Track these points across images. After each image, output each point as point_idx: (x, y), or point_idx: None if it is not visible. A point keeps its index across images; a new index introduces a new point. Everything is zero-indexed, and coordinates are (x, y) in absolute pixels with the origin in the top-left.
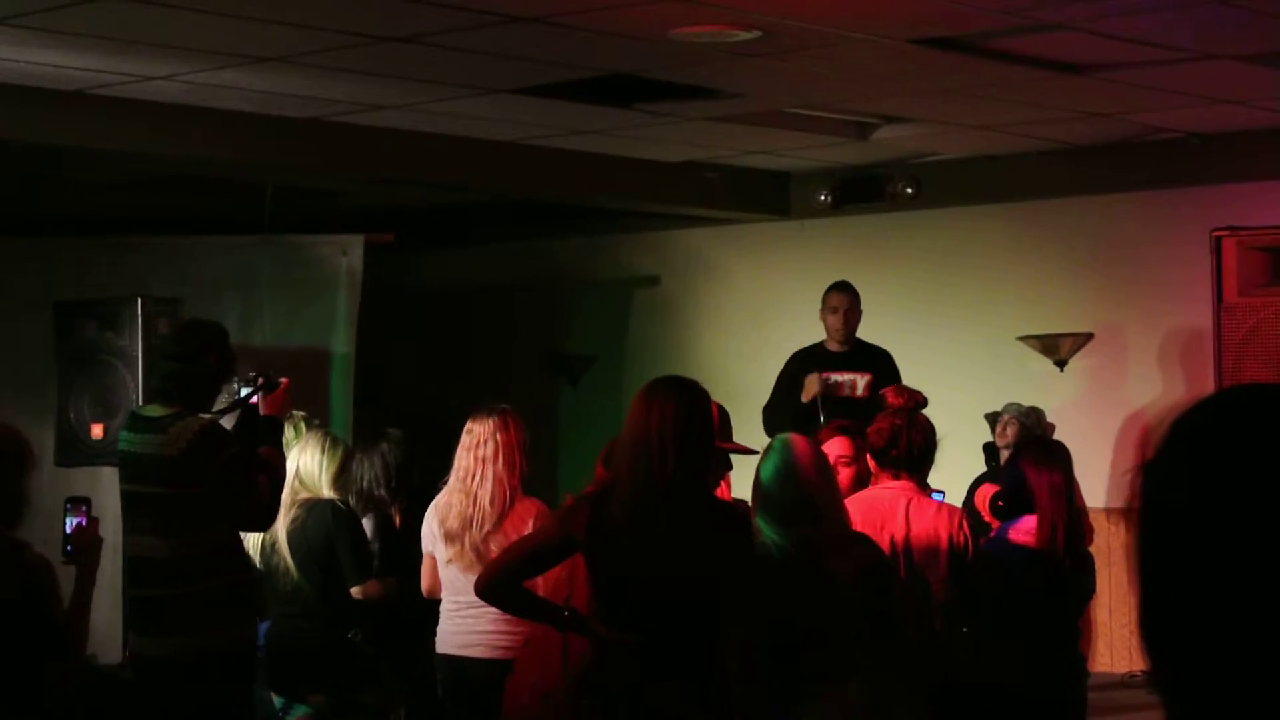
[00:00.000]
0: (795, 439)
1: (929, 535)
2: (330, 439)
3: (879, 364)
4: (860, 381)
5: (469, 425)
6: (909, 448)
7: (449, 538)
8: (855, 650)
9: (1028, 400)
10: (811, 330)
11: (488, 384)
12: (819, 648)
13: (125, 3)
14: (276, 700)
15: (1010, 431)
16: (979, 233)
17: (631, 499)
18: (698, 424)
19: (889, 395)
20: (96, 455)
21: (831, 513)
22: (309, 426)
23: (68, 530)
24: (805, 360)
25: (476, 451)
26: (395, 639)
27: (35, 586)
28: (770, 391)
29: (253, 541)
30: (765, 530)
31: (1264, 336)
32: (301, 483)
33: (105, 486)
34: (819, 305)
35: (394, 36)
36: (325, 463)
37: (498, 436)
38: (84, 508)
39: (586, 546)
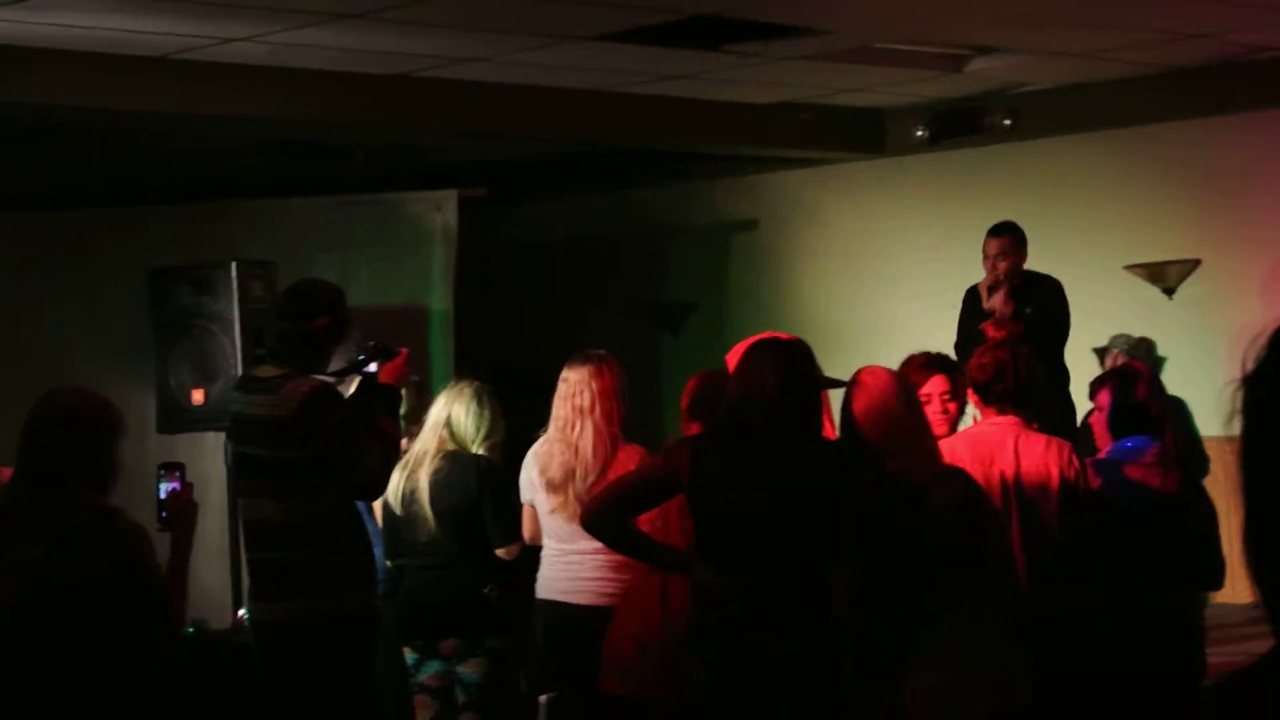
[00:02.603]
0: (872, 372)
1: (1039, 471)
2: (484, 394)
3: (1038, 293)
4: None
5: (564, 373)
6: (1015, 382)
7: (552, 487)
8: (946, 588)
9: (1137, 330)
10: (912, 269)
11: (588, 334)
12: (908, 586)
13: None
14: (409, 656)
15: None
16: (1079, 162)
17: (735, 437)
18: (802, 376)
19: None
20: (198, 421)
21: (917, 446)
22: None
23: (161, 496)
24: (971, 299)
25: (573, 401)
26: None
27: (129, 553)
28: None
29: (393, 488)
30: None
31: None
32: (451, 434)
33: (209, 452)
34: (917, 243)
35: None
36: (483, 418)
37: (593, 385)
38: (178, 473)
39: (690, 484)
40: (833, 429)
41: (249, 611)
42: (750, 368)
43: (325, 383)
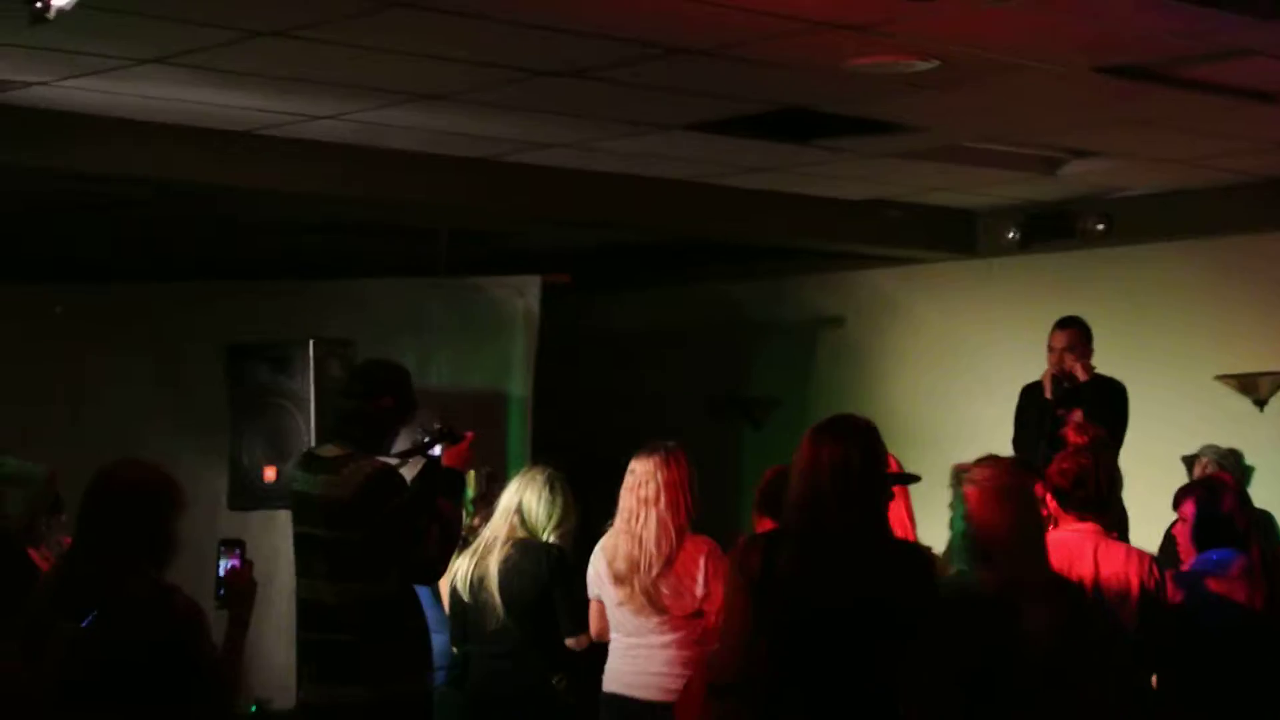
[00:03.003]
0: (976, 471)
1: (1119, 579)
2: (557, 481)
3: (1097, 397)
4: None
5: (631, 465)
6: (1097, 489)
7: (618, 580)
8: (1033, 709)
9: (1225, 441)
10: (1000, 373)
11: (669, 426)
12: (992, 701)
13: (286, 40)
14: None
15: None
16: (1173, 270)
17: (804, 542)
18: (868, 463)
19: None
20: (269, 498)
21: (1022, 555)
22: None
23: (220, 574)
24: (1027, 395)
25: (638, 492)
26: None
27: (182, 632)
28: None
29: (461, 575)
30: (963, 569)
31: None
32: (522, 521)
33: (280, 530)
34: (1006, 346)
35: (560, 72)
36: (554, 506)
37: (659, 476)
38: (238, 550)
39: (760, 587)
40: (911, 525)
41: (302, 692)
42: (815, 455)
43: (387, 465)
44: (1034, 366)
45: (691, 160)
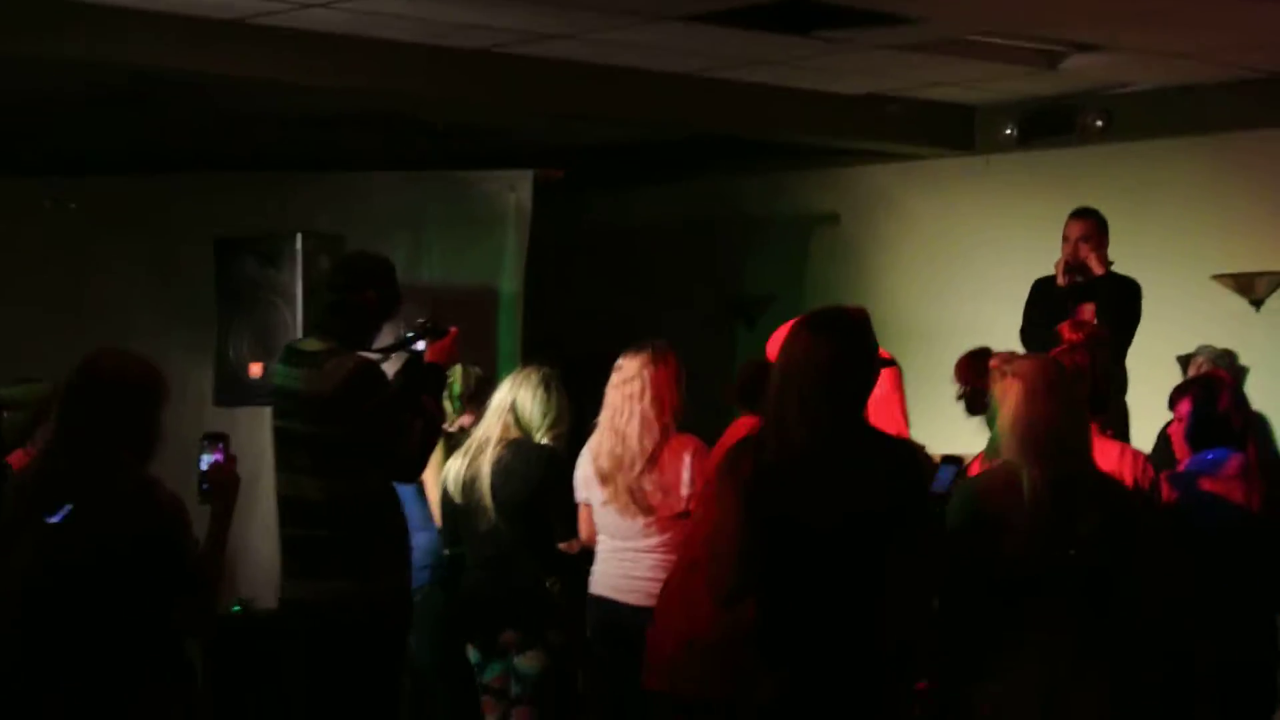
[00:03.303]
0: (1018, 364)
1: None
2: (551, 380)
3: (1113, 293)
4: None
5: (618, 362)
6: (1093, 387)
7: (602, 479)
8: (1068, 607)
9: (1221, 341)
10: (997, 270)
11: (662, 324)
12: (1033, 596)
13: None
14: (472, 655)
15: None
16: (1173, 167)
17: (785, 441)
18: (843, 357)
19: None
20: (255, 394)
21: (1072, 449)
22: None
23: (203, 468)
24: (1038, 289)
25: (623, 389)
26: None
27: (166, 526)
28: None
29: (453, 476)
30: (1009, 462)
31: None
32: (516, 421)
33: (267, 427)
34: (1003, 244)
35: None
36: (548, 405)
37: (645, 373)
38: (221, 445)
39: (753, 489)
40: (905, 421)
41: (284, 588)
42: (786, 348)
43: (369, 360)
44: (1030, 264)
45: (688, 53)
